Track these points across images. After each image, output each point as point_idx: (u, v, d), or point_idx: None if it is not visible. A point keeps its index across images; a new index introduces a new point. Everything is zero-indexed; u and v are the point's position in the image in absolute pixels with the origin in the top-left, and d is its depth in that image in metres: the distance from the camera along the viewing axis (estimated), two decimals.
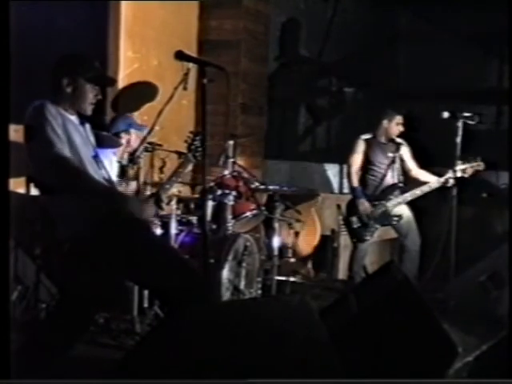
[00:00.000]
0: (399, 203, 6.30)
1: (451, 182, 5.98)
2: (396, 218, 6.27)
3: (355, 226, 6.32)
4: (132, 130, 5.17)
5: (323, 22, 9.06)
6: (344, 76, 9.53)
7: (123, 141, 5.25)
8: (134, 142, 5.07)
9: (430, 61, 9.27)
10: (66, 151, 3.55)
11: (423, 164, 6.54)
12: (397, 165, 6.45)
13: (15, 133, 3.78)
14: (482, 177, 7.02)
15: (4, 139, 2.96)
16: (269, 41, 7.44)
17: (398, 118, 6.44)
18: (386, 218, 6.29)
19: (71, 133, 3.63)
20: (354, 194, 6.36)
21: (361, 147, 6.42)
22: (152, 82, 5.23)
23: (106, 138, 4.66)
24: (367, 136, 6.46)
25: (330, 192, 8.00)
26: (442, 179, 6.05)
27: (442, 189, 6.09)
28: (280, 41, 8.48)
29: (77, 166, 3.59)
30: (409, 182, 6.48)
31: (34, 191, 3.99)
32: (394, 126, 6.43)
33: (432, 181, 6.20)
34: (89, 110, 3.76)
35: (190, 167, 4.02)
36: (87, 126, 3.85)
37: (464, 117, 5.80)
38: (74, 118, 3.74)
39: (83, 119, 3.81)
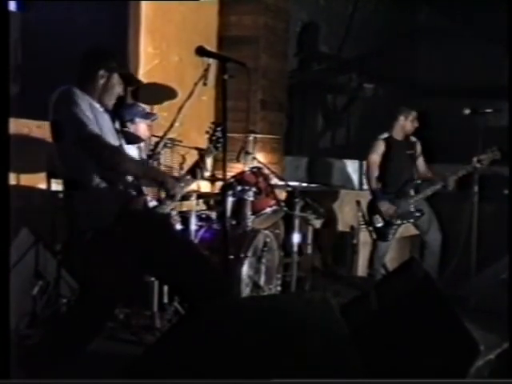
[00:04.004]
0: (420, 199, 6.31)
1: (452, 184, 6.07)
2: (418, 214, 6.29)
3: (378, 226, 6.33)
4: (137, 119, 4.98)
5: (343, 19, 9.04)
6: (364, 72, 9.50)
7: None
8: (144, 132, 4.90)
9: (450, 57, 9.22)
10: (98, 131, 3.51)
11: (444, 160, 6.52)
12: (414, 161, 6.47)
13: (37, 129, 3.79)
14: (504, 173, 6.98)
15: (4, 136, 2.95)
16: (289, 37, 7.42)
17: (414, 115, 6.45)
18: (409, 215, 6.31)
19: (99, 119, 3.61)
20: (375, 196, 6.36)
21: (379, 147, 6.45)
22: (172, 87, 5.08)
23: (127, 133, 4.62)
24: (385, 135, 6.48)
25: (349, 188, 7.98)
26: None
27: (463, 185, 6.07)
28: (300, 37, 8.46)
29: (113, 146, 3.55)
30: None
31: (55, 187, 4.00)
32: (410, 122, 6.46)
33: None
34: (111, 104, 3.75)
35: (210, 158, 4.00)
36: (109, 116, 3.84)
37: (485, 113, 5.77)
38: (99, 107, 3.72)
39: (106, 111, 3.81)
